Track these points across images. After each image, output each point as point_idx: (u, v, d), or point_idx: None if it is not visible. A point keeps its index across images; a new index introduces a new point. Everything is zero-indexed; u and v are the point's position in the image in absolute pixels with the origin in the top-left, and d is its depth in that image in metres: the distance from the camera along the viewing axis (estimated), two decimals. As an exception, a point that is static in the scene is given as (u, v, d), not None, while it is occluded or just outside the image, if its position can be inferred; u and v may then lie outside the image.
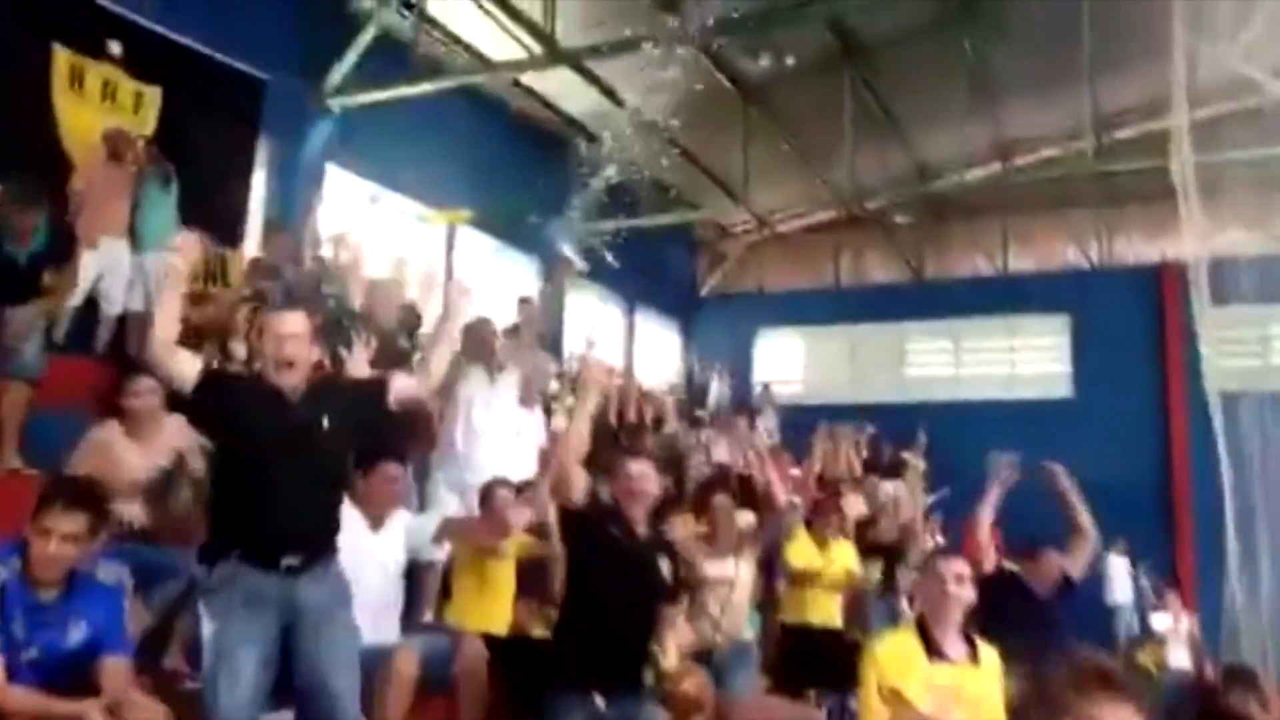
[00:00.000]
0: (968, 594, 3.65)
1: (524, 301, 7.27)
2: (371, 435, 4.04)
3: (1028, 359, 15.63)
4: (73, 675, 3.18)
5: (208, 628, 3.29)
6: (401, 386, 3.71)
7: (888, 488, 8.41)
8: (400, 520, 4.66)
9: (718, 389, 13.28)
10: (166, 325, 3.34)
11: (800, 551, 5.77)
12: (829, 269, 17.09)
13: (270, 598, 3.28)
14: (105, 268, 6.50)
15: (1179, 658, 10.20)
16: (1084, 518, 5.18)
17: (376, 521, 4.53)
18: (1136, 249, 15.40)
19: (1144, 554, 12.37)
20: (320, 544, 3.43)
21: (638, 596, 3.91)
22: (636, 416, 8.50)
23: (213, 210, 7.88)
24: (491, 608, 4.92)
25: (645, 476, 4.03)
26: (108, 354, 6.28)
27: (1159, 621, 10.88)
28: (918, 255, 16.48)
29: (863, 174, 13.09)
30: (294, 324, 3.49)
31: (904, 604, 6.21)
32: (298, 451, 3.35)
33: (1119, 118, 12.93)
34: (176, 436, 4.31)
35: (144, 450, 4.35)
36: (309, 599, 3.33)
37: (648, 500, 4.06)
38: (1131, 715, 1.78)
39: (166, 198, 6.98)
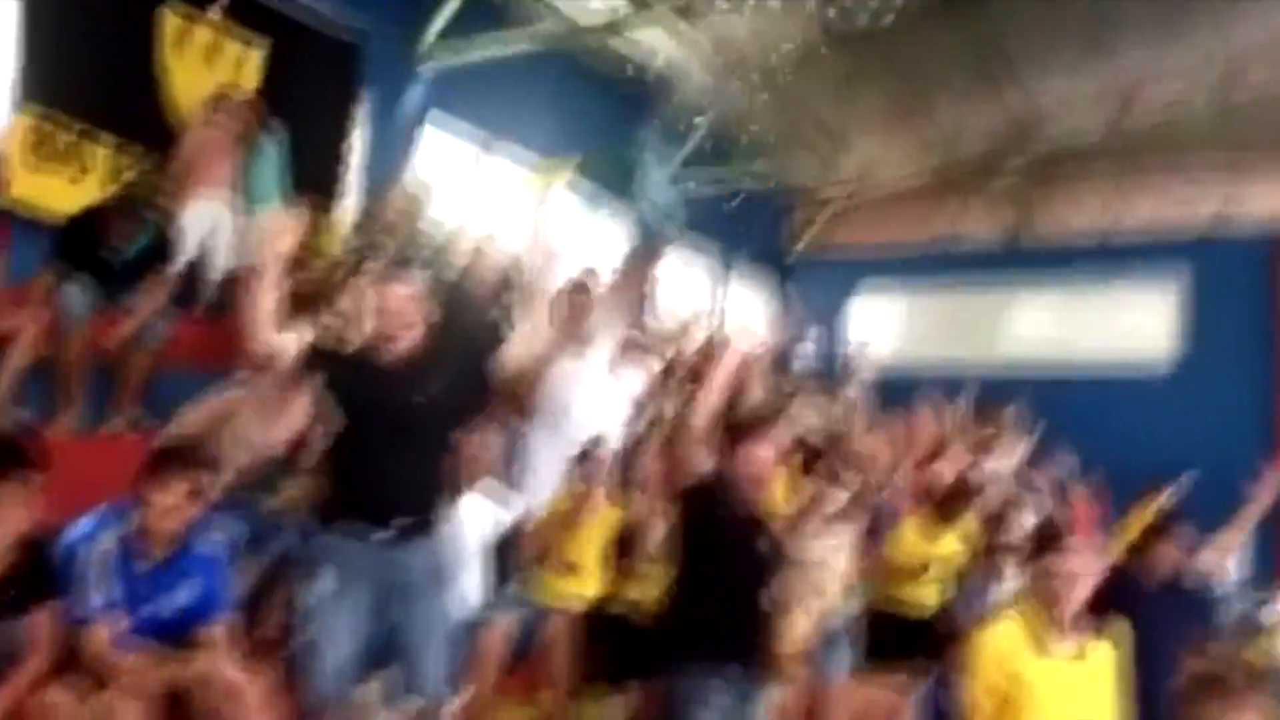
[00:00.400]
0: (1082, 591, 3.49)
1: (616, 267, 7.18)
2: (470, 403, 4.02)
3: (1133, 328, 14.96)
4: (176, 639, 3.26)
5: (306, 596, 3.34)
6: (505, 353, 3.70)
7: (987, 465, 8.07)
8: (483, 499, 4.66)
9: (808, 352, 13.02)
10: (265, 306, 3.30)
11: (906, 542, 5.67)
12: (927, 230, 16.54)
13: (367, 568, 3.31)
14: (209, 227, 6.60)
15: (1291, 650, 9.75)
16: (1241, 535, 4.97)
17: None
18: (1259, 212, 14.54)
19: (1249, 538, 11.79)
20: (420, 516, 3.44)
21: (750, 577, 3.87)
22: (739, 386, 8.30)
23: (312, 169, 7.93)
24: (581, 573, 4.93)
25: (769, 460, 3.95)
26: (212, 312, 6.39)
27: (1272, 612, 10.40)
28: (1021, 218, 15.88)
29: (967, 132, 12.62)
30: (401, 294, 3.46)
31: (1004, 582, 5.99)
32: (399, 424, 3.35)
33: (1246, 61, 12.09)
34: (301, 419, 4.27)
35: (266, 430, 4.29)
36: (405, 570, 3.36)
37: (768, 484, 4.01)
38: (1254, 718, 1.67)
39: (272, 157, 7.05)
